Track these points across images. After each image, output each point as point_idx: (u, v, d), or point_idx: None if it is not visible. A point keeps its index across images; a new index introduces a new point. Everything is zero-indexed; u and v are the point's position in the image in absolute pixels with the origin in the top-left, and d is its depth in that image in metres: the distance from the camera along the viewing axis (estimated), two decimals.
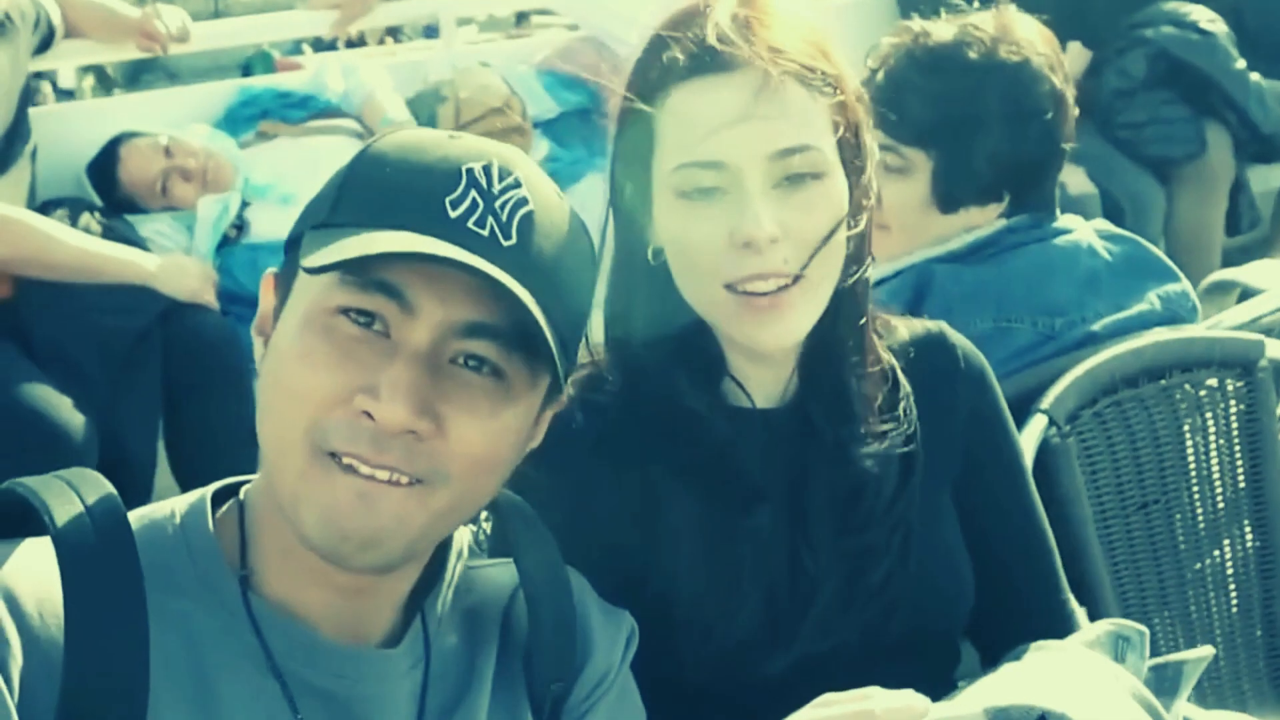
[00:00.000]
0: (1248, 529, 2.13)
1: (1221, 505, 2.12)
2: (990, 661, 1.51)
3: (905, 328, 1.59)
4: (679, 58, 1.39)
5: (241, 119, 4.03)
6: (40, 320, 3.17)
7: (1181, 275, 2.22)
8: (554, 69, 4.29)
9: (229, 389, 3.29)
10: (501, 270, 1.08)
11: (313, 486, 1.09)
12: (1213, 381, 2.09)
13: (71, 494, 1.10)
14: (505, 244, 1.11)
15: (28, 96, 3.48)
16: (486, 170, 1.13)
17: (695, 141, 1.38)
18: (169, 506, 1.20)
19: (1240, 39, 4.47)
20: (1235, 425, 2.11)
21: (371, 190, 1.13)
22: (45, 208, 3.47)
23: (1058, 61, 2.13)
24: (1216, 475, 2.11)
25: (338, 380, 1.09)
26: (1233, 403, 2.11)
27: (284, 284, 1.17)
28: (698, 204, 1.39)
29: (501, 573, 1.33)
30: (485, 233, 1.10)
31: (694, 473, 1.46)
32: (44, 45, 3.62)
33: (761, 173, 1.37)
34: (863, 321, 1.50)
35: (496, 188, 1.13)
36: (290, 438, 1.10)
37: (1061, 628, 1.55)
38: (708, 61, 1.38)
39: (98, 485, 1.12)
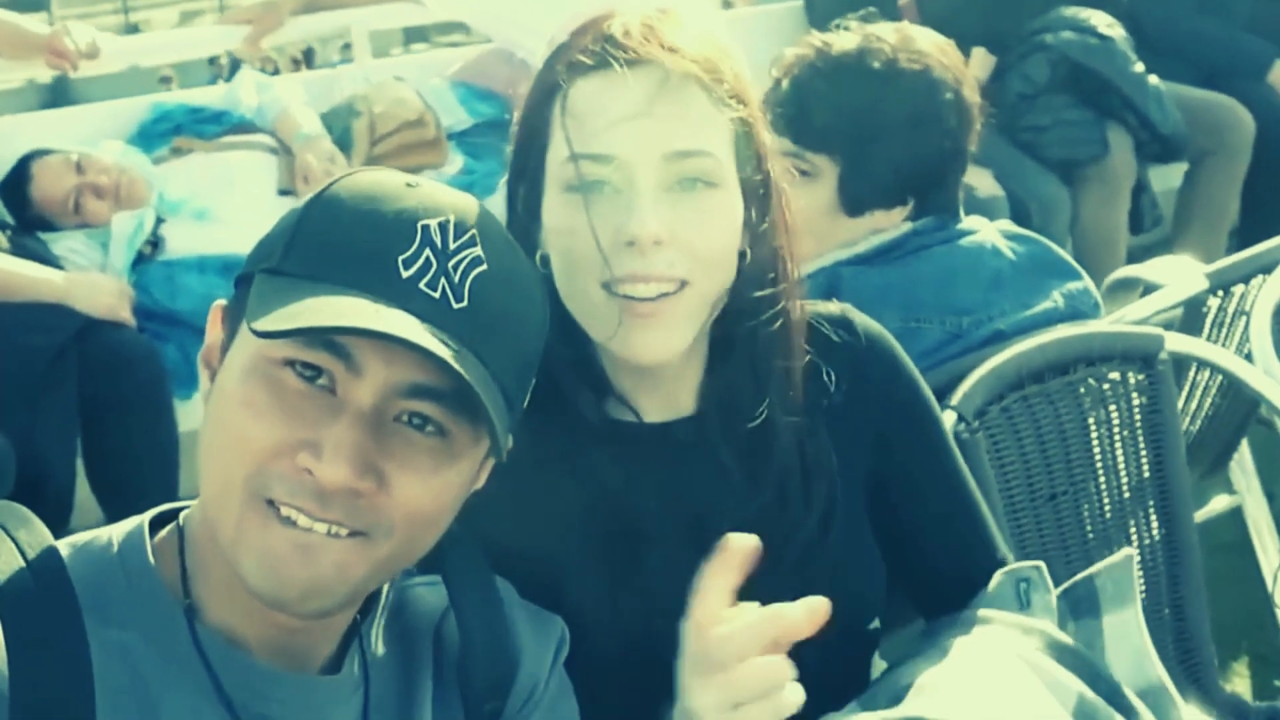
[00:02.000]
0: (1153, 517, 2.19)
1: (1127, 495, 2.18)
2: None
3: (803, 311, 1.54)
4: (581, 55, 1.38)
5: (155, 135, 4.00)
6: None
7: (1084, 273, 2.29)
8: (467, 81, 4.31)
9: (147, 406, 3.28)
10: (448, 336, 1.09)
11: (251, 534, 1.10)
12: (1115, 375, 2.15)
13: (1, 534, 1.11)
14: (456, 306, 1.11)
15: None
16: (443, 228, 1.12)
17: (589, 134, 1.35)
18: (106, 534, 1.19)
19: (1138, 42, 4.57)
20: (1138, 417, 2.17)
21: (324, 241, 1.13)
22: None
23: (960, 72, 2.20)
24: (1121, 466, 2.17)
25: (281, 433, 1.09)
26: (1135, 395, 2.17)
27: (233, 319, 1.16)
28: (584, 197, 1.36)
29: (431, 592, 1.34)
30: (436, 294, 1.10)
31: (583, 493, 1.43)
32: None
33: (654, 172, 1.35)
34: (790, 362, 1.47)
35: (451, 246, 1.12)
36: (230, 482, 1.10)
37: None
38: (609, 56, 1.36)
39: (27, 523, 1.13)
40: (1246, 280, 2.63)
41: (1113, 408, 2.16)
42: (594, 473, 1.44)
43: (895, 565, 1.59)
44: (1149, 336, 2.19)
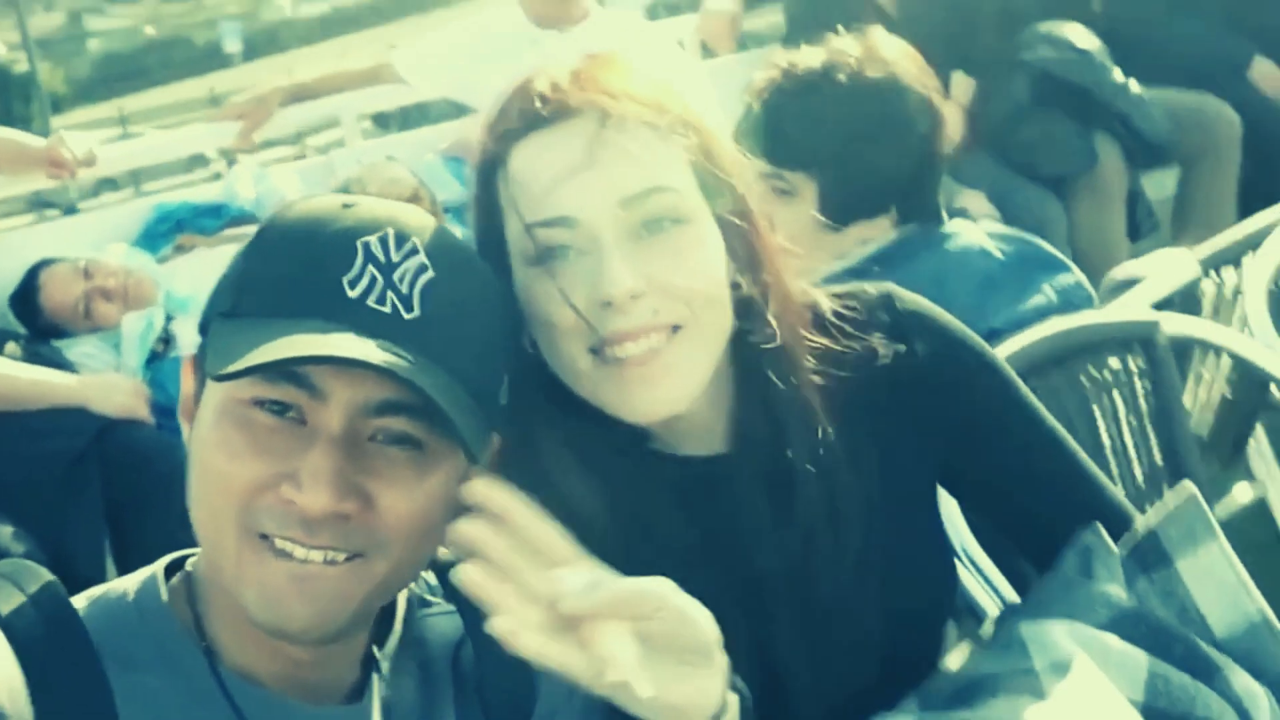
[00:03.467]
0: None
1: (1142, 484, 2.19)
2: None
3: (829, 302, 1.47)
4: (513, 118, 1.32)
5: (158, 235, 4.07)
6: None
7: (1073, 266, 2.31)
8: (458, 155, 4.36)
9: (171, 501, 3.21)
10: (402, 348, 1.09)
11: (249, 570, 1.11)
12: (1115, 362, 2.17)
13: (10, 587, 1.13)
14: (408, 317, 1.12)
15: None
16: (383, 241, 1.13)
17: (538, 199, 1.29)
18: (120, 585, 1.22)
19: (1115, 50, 4.59)
20: (1144, 404, 2.19)
21: (269, 276, 1.14)
22: None
23: (928, 76, 2.23)
24: (1132, 453, 2.18)
25: (259, 469, 1.10)
26: (1138, 381, 2.18)
27: (200, 368, 1.19)
28: (550, 267, 1.29)
29: (448, 620, 1.35)
30: (386, 309, 1.11)
31: (616, 524, 1.34)
32: None
33: (613, 223, 1.28)
34: (800, 387, 1.40)
35: (395, 257, 1.13)
36: (221, 524, 1.12)
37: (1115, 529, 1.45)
38: (541, 115, 1.30)
39: (36, 576, 1.15)
40: (1238, 261, 2.64)
41: (1116, 395, 2.18)
42: (629, 505, 1.37)
43: (1006, 532, 1.55)
44: (1144, 322, 2.21)
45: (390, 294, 1.12)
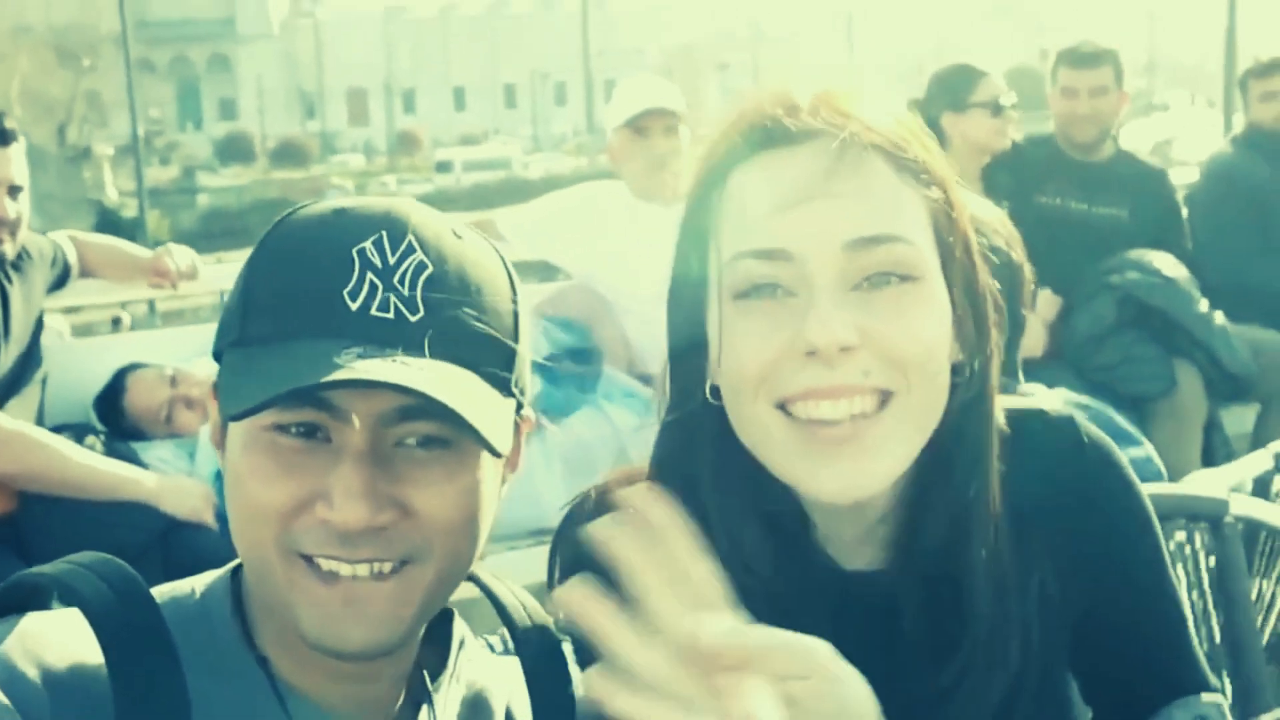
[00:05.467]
0: (1226, 682, 2.16)
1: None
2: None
3: (1001, 416, 1.30)
4: (739, 136, 1.19)
5: None
6: (40, 534, 3.21)
7: (1145, 441, 2.32)
8: (547, 314, 4.45)
9: None
10: (411, 352, 1.09)
11: (299, 593, 1.12)
12: (1181, 535, 2.17)
13: (93, 577, 1.14)
14: (413, 319, 1.11)
15: (40, 328, 3.60)
16: (378, 245, 1.12)
17: (755, 225, 1.14)
18: (189, 584, 1.24)
19: (1204, 287, 4.64)
20: (1207, 579, 2.17)
21: (271, 298, 1.13)
22: (53, 431, 3.56)
23: (1012, 237, 2.28)
24: (1190, 630, 2.15)
25: (291, 491, 1.11)
26: (1202, 556, 2.17)
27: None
28: (755, 303, 1.14)
29: (505, 667, 1.36)
30: (390, 315, 1.10)
31: None
32: (60, 283, 3.77)
33: (835, 267, 1.12)
34: (990, 488, 1.23)
35: (391, 260, 1.12)
36: (263, 549, 1.12)
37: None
38: (774, 134, 1.16)
39: (118, 568, 1.17)
40: None
41: (1180, 568, 2.16)
42: (778, 613, 1.17)
43: (1090, 681, 1.42)
44: (1214, 499, 2.21)
45: (393, 298, 1.11)
